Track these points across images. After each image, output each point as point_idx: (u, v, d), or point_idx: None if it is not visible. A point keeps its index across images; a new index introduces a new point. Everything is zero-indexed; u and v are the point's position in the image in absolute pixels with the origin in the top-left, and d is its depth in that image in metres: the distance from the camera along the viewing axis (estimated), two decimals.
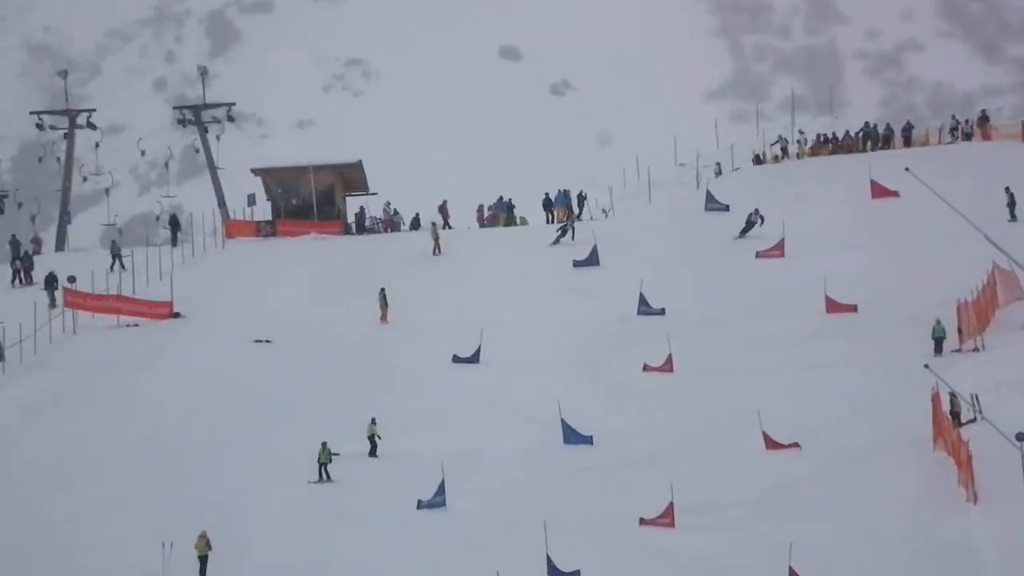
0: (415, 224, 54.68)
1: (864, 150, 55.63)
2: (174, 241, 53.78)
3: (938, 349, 37.27)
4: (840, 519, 29.70)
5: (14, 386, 39.30)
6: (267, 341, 41.70)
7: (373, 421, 34.87)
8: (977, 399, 32.58)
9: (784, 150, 57.64)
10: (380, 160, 77.95)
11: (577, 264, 46.71)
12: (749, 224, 46.78)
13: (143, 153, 59.79)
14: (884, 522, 29.34)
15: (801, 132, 59.96)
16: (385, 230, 54.58)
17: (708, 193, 51.21)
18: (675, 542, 29.20)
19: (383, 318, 43.24)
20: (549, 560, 27.64)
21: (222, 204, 58.21)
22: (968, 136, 55.39)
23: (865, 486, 31.11)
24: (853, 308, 41.09)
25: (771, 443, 33.58)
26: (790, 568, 26.40)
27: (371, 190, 55.88)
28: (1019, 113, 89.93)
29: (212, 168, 59.19)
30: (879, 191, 48.93)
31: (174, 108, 62.93)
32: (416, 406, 37.15)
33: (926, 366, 32.22)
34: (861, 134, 56.91)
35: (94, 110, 61.78)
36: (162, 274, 47.83)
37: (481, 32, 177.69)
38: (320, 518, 30.94)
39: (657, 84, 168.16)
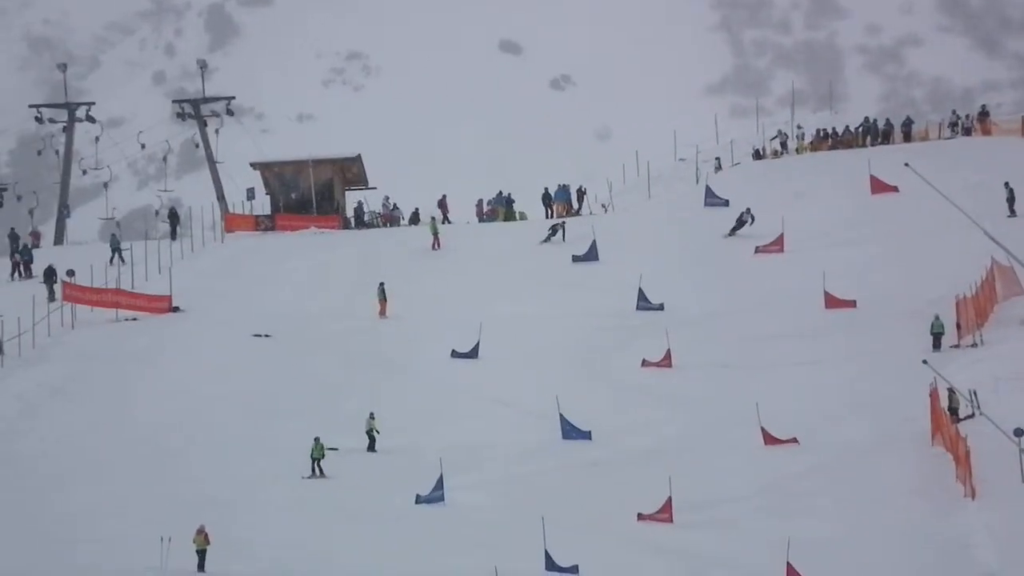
0: (414, 219, 54.65)
1: (864, 145, 55.57)
2: (173, 235, 53.74)
3: (936, 345, 37.27)
4: (838, 515, 29.72)
5: (13, 379, 39.28)
6: (266, 335, 41.69)
7: (371, 416, 34.87)
8: (975, 395, 32.60)
9: (783, 145, 57.61)
10: (380, 154, 77.94)
11: (576, 259, 46.68)
12: (739, 223, 46.76)
13: (143, 146, 59.70)
14: (882, 517, 29.35)
15: (800, 127, 59.92)
16: (384, 224, 54.56)
17: (707, 188, 51.17)
18: (673, 537, 29.21)
19: (382, 313, 43.22)
20: (547, 555, 27.64)
21: (221, 198, 58.16)
22: (968, 131, 55.34)
23: (863, 481, 31.13)
24: (852, 304, 41.08)
25: (770, 438, 33.59)
26: (788, 564, 26.41)
27: (370, 184, 55.85)
28: (1019, 108, 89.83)
29: (211, 162, 59.12)
30: (879, 186, 48.89)
31: (173, 102, 62.79)
32: (415, 401, 37.14)
33: (924, 362, 32.27)
34: (861, 129, 56.85)
35: (93, 103, 61.65)
36: (161, 268, 47.81)
37: (481, 26, 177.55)
38: (318, 512, 30.94)
39: (657, 79, 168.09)
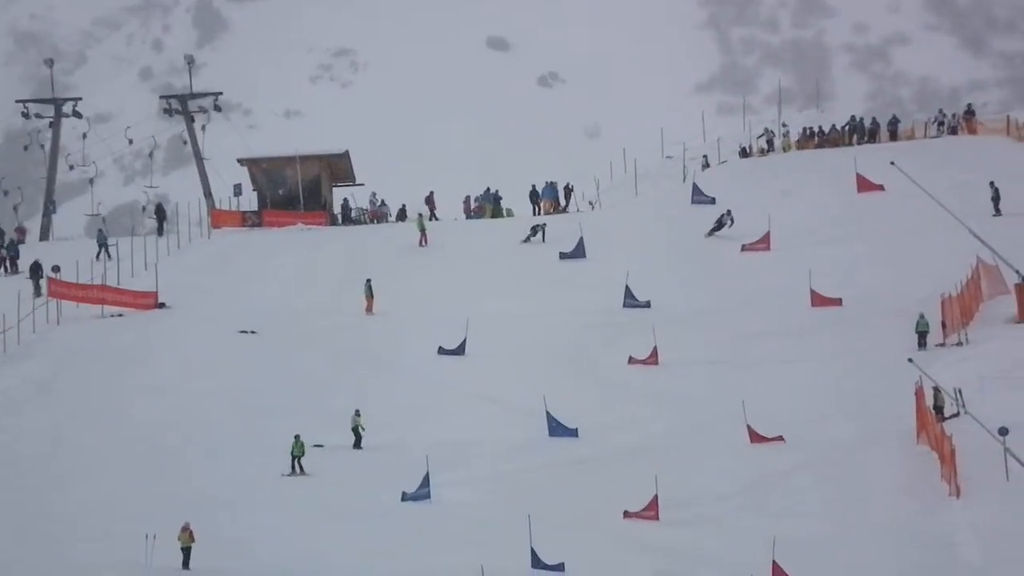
0: (401, 215, 54.61)
1: (850, 144, 55.70)
2: (160, 231, 53.61)
3: (922, 343, 37.38)
4: (824, 513, 29.79)
5: None
6: (252, 332, 41.60)
7: (357, 413, 34.83)
8: (960, 393, 32.70)
9: (770, 143, 57.71)
10: (367, 151, 77.84)
11: (563, 256, 46.70)
12: (719, 224, 46.78)
13: (131, 142, 59.52)
14: (868, 515, 29.43)
15: (784, 125, 60.03)
16: (371, 221, 54.50)
17: (695, 186, 51.23)
18: (659, 535, 29.24)
19: (368, 309, 43.18)
20: (533, 552, 27.65)
21: (208, 194, 58.04)
22: (954, 130, 55.50)
23: (849, 480, 31.21)
24: (838, 302, 41.17)
25: (755, 436, 33.65)
26: (774, 561, 26.46)
27: (358, 181, 55.79)
28: (1005, 107, 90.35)
29: (198, 158, 59.00)
30: (865, 185, 49.02)
31: (160, 97, 62.65)
32: (401, 398, 37.12)
33: (910, 360, 32.36)
34: (847, 128, 56.98)
35: (80, 99, 61.48)
36: (147, 264, 47.68)
37: (469, 23, 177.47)
38: (304, 509, 30.89)
39: (645, 77, 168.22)
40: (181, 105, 59.19)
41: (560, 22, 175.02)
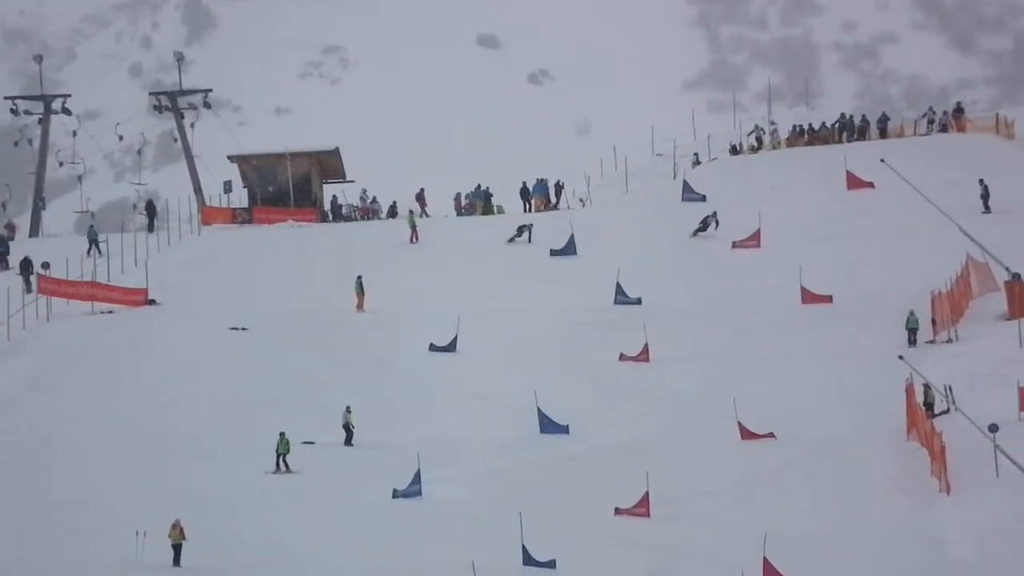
0: (392, 212, 54.58)
1: (840, 141, 55.82)
2: (151, 227, 53.50)
3: (912, 340, 37.48)
4: (815, 509, 29.85)
5: None
6: (243, 329, 41.54)
7: (348, 409, 34.80)
8: (950, 390, 32.81)
9: (759, 140, 57.80)
10: (357, 148, 77.71)
11: (554, 253, 46.72)
12: (704, 225, 46.79)
13: (121, 138, 59.36)
14: (858, 512, 29.51)
15: (773, 123, 60.11)
16: (362, 217, 54.47)
17: (685, 183, 51.28)
18: (650, 532, 29.28)
19: (359, 306, 43.15)
20: (525, 549, 27.67)
21: (198, 191, 57.94)
22: (944, 128, 55.64)
23: (839, 476, 31.28)
24: (828, 299, 41.26)
25: (746, 433, 33.71)
26: (764, 558, 26.51)
27: (348, 178, 55.73)
28: (994, 105, 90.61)
29: (188, 155, 58.88)
30: (855, 182, 49.12)
31: (150, 94, 62.48)
32: (392, 394, 37.10)
33: (900, 357, 32.45)
34: (837, 125, 57.09)
35: (69, 95, 61.31)
36: (137, 261, 47.57)
37: (459, 20, 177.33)
38: (295, 506, 30.86)
39: (635, 74, 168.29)
40: (171, 102, 59.06)
41: (551, 19, 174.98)
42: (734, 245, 46.02)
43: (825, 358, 37.36)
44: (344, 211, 54.56)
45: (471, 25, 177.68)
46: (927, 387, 32.80)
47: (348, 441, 34.60)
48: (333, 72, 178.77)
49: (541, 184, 54.35)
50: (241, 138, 73.11)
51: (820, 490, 30.74)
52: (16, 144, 58.88)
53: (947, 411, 32.54)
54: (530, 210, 53.33)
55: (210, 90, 60.76)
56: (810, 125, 57.80)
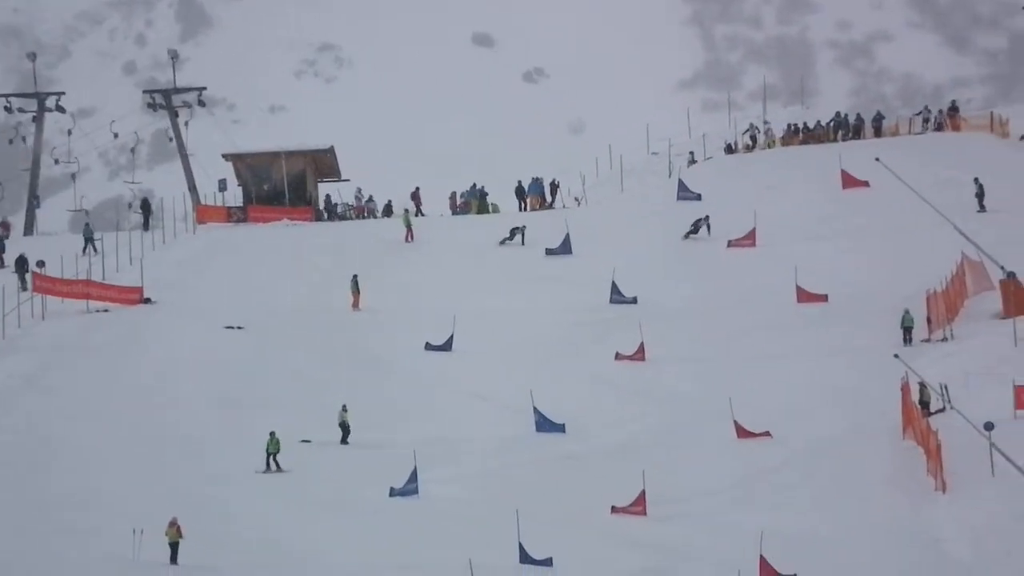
0: (387, 211, 54.58)
1: (835, 140, 55.87)
2: (146, 225, 53.46)
3: (907, 339, 37.53)
4: (810, 508, 29.89)
5: None
6: (238, 327, 41.51)
7: (344, 408, 34.79)
8: (946, 389, 32.85)
9: (753, 139, 57.86)
10: (352, 146, 77.72)
11: (550, 252, 46.73)
12: (695, 227, 46.75)
13: (116, 136, 59.27)
14: (854, 510, 29.55)
15: (766, 123, 60.16)
16: (358, 216, 54.45)
17: (680, 182, 51.29)
18: (647, 530, 29.30)
19: (355, 305, 43.13)
20: (521, 548, 27.68)
21: (193, 189, 57.88)
22: (940, 126, 55.70)
23: (835, 475, 31.33)
24: (824, 298, 41.30)
25: (742, 432, 33.75)
26: (761, 556, 26.55)
27: (343, 176, 55.70)
28: (988, 104, 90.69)
29: (183, 153, 58.81)
30: (850, 181, 49.17)
31: (144, 92, 62.42)
32: (388, 393, 37.10)
33: (896, 356, 32.49)
34: (832, 124, 57.15)
35: (63, 93, 61.21)
36: (132, 259, 47.53)
37: (454, 19, 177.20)
38: (292, 505, 30.85)
39: (630, 72, 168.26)
40: (165, 100, 59.00)
41: (545, 18, 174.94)
42: (729, 244, 46.05)
43: (820, 357, 37.40)
44: (339, 210, 54.54)
45: (466, 24, 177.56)
46: (923, 386, 32.85)
47: (344, 440, 34.58)
48: (328, 70, 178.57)
49: (536, 183, 54.36)
50: (236, 136, 73.06)
51: (816, 489, 30.78)
52: (11, 142, 58.78)
53: (943, 410, 32.59)
54: (525, 209, 53.33)
55: (204, 88, 60.69)
56: (805, 124, 57.86)
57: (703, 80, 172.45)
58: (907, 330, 37.64)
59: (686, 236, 46.67)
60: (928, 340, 37.46)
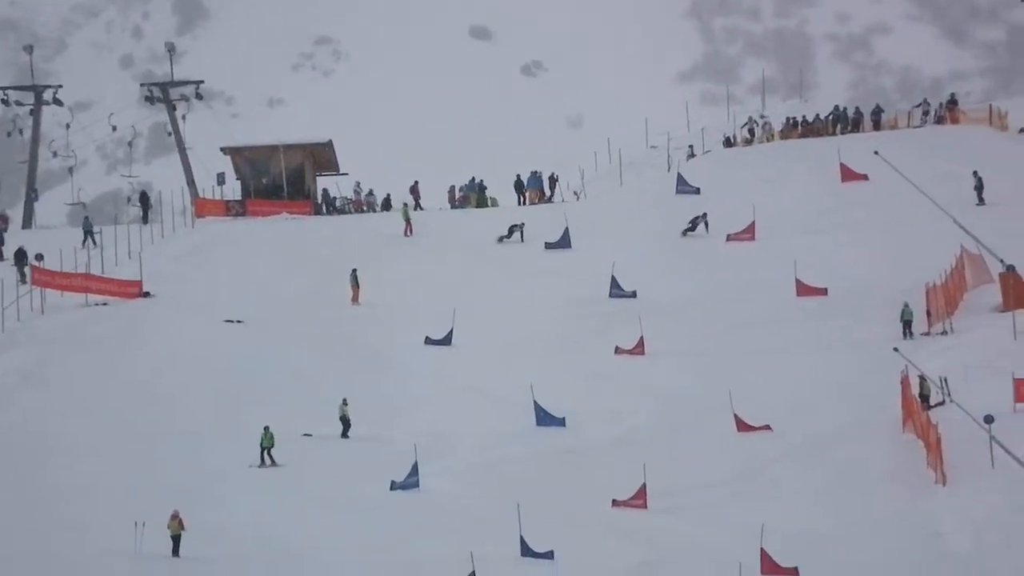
0: (386, 205, 54.51)
1: (834, 133, 55.82)
2: (145, 219, 53.39)
3: (907, 332, 37.55)
4: (811, 501, 29.92)
5: None
6: (238, 322, 41.49)
7: (344, 402, 34.79)
8: (946, 382, 32.88)
9: (751, 132, 57.83)
10: (350, 140, 77.63)
11: (549, 246, 46.70)
12: (693, 225, 46.67)
13: (114, 129, 59.15)
14: (854, 504, 29.58)
15: (763, 117, 60.11)
16: (356, 210, 54.39)
17: (679, 176, 51.25)
18: (647, 524, 29.34)
19: (354, 299, 43.11)
20: (522, 541, 27.71)
21: (191, 183, 57.79)
22: (941, 120, 55.66)
23: (835, 468, 31.35)
24: (823, 291, 41.31)
25: (742, 425, 33.76)
26: (762, 549, 26.59)
27: (341, 170, 55.62)
28: (987, 97, 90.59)
29: (181, 147, 58.71)
30: (849, 174, 49.15)
31: (142, 85, 62.27)
32: (388, 388, 37.09)
33: (895, 349, 32.51)
34: (831, 117, 57.12)
35: (60, 86, 61.09)
36: (131, 253, 47.49)
37: (452, 12, 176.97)
38: (292, 499, 30.87)
39: (628, 66, 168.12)
40: (162, 93, 58.87)
41: (543, 11, 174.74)
42: (728, 238, 46.03)
43: (820, 350, 37.42)
44: (338, 204, 54.46)
45: (463, 17, 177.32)
46: (922, 379, 32.87)
47: (345, 433, 34.59)
48: (326, 64, 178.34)
49: (535, 177, 54.31)
50: (233, 130, 72.88)
51: (816, 482, 30.80)
52: (9, 135, 58.67)
53: (942, 403, 32.61)
54: (524, 203, 53.30)
55: (202, 81, 60.54)
56: (804, 117, 57.81)
57: (702, 73, 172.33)
58: (907, 323, 37.66)
59: (684, 233, 46.62)
60: (928, 333, 37.48)
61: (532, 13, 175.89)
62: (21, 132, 58.32)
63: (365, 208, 54.49)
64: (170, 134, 59.12)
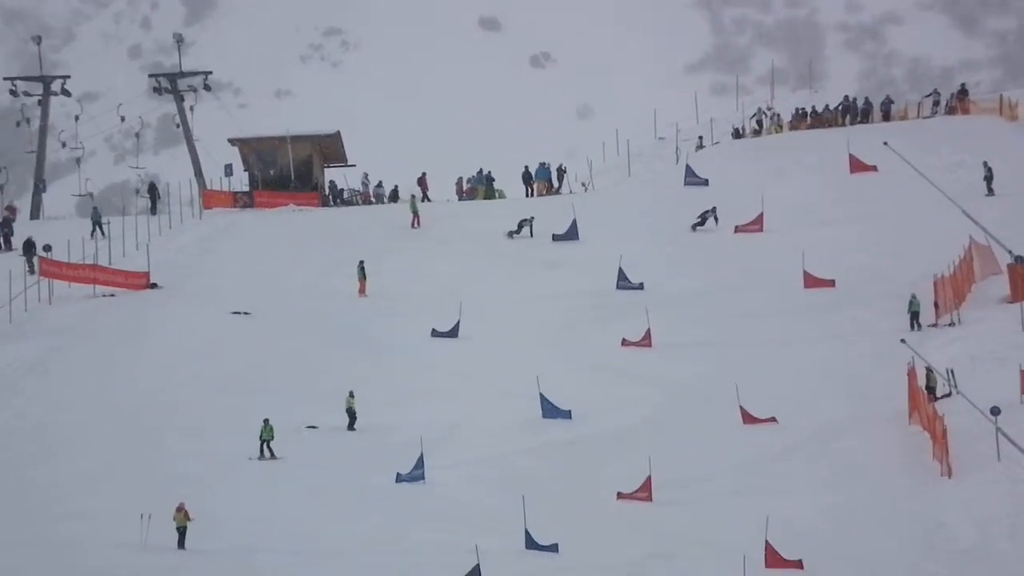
0: (394, 196, 54.51)
1: (843, 124, 55.63)
2: (153, 210, 53.45)
3: (914, 323, 37.45)
4: (816, 493, 29.90)
5: None
6: (245, 313, 41.53)
7: (351, 394, 34.82)
8: (952, 373, 32.81)
9: (760, 123, 57.67)
10: (358, 131, 77.60)
11: (556, 238, 46.66)
12: (702, 219, 46.53)
13: (123, 119, 59.17)
14: (860, 495, 29.56)
15: (771, 108, 59.90)
16: (364, 202, 54.38)
17: (687, 167, 51.13)
18: (652, 516, 29.33)
19: (361, 291, 43.13)
20: (527, 533, 27.72)
21: (199, 174, 57.84)
22: (952, 110, 55.44)
23: (841, 460, 31.32)
24: (831, 283, 41.22)
25: (748, 418, 33.73)
26: (767, 541, 26.56)
27: (349, 162, 55.61)
28: (997, 87, 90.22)
29: (188, 138, 58.73)
30: (858, 165, 49.01)
31: (150, 76, 62.28)
32: (395, 379, 37.11)
33: (903, 341, 32.45)
34: (840, 108, 56.93)
35: (69, 77, 61.15)
36: (138, 244, 47.56)
37: (461, 3, 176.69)
38: (298, 490, 30.92)
39: (637, 57, 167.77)
40: (171, 84, 58.88)
41: (552, 2, 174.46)
42: (736, 229, 45.94)
43: (827, 342, 37.36)
44: (346, 195, 54.48)
45: (473, 7, 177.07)
46: (929, 371, 32.80)
47: (351, 425, 34.62)
48: (334, 55, 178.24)
49: (543, 168, 54.23)
50: (241, 121, 72.92)
51: (822, 474, 30.77)
52: (17, 125, 58.71)
53: (949, 394, 32.55)
54: (532, 195, 53.23)
55: (210, 72, 60.56)
56: (813, 108, 57.62)
57: (711, 64, 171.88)
58: (914, 315, 37.56)
59: (693, 228, 46.49)
60: (935, 325, 37.38)
61: (541, 4, 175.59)
62: (29, 123, 58.38)
63: (373, 200, 54.48)
64: (178, 125, 59.14)
